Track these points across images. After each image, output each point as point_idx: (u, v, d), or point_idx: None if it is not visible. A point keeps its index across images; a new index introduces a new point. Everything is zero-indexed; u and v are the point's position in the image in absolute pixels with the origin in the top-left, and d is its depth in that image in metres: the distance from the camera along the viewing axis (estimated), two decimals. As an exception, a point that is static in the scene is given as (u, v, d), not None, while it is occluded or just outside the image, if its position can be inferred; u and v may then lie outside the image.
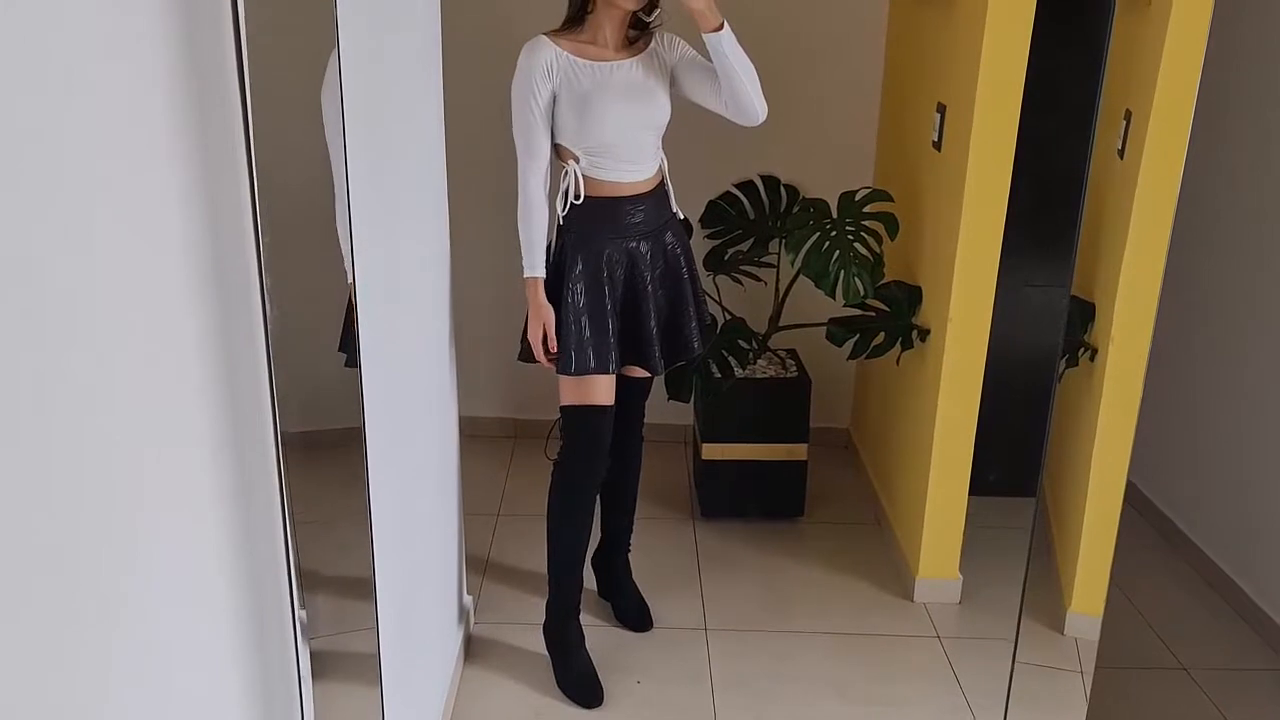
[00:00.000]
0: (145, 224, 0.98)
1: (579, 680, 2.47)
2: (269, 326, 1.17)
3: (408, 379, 1.92)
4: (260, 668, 1.25)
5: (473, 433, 3.55)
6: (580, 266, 2.34)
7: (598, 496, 2.52)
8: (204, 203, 1.08)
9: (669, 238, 2.43)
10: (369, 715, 1.45)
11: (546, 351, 2.36)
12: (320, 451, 1.51)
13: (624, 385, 2.50)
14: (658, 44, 2.33)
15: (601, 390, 2.40)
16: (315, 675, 1.42)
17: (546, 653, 2.54)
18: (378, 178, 1.66)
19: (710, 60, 2.23)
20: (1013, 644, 2.10)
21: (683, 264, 2.45)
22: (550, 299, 2.35)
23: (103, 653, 0.92)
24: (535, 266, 2.34)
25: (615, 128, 2.26)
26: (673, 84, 2.34)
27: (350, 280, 2.04)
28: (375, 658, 1.39)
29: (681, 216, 2.47)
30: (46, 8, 0.82)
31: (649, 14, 2.31)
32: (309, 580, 1.42)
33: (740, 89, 2.24)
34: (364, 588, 1.50)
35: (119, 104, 0.93)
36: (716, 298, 3.24)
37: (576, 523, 2.48)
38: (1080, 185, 1.62)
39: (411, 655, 2.01)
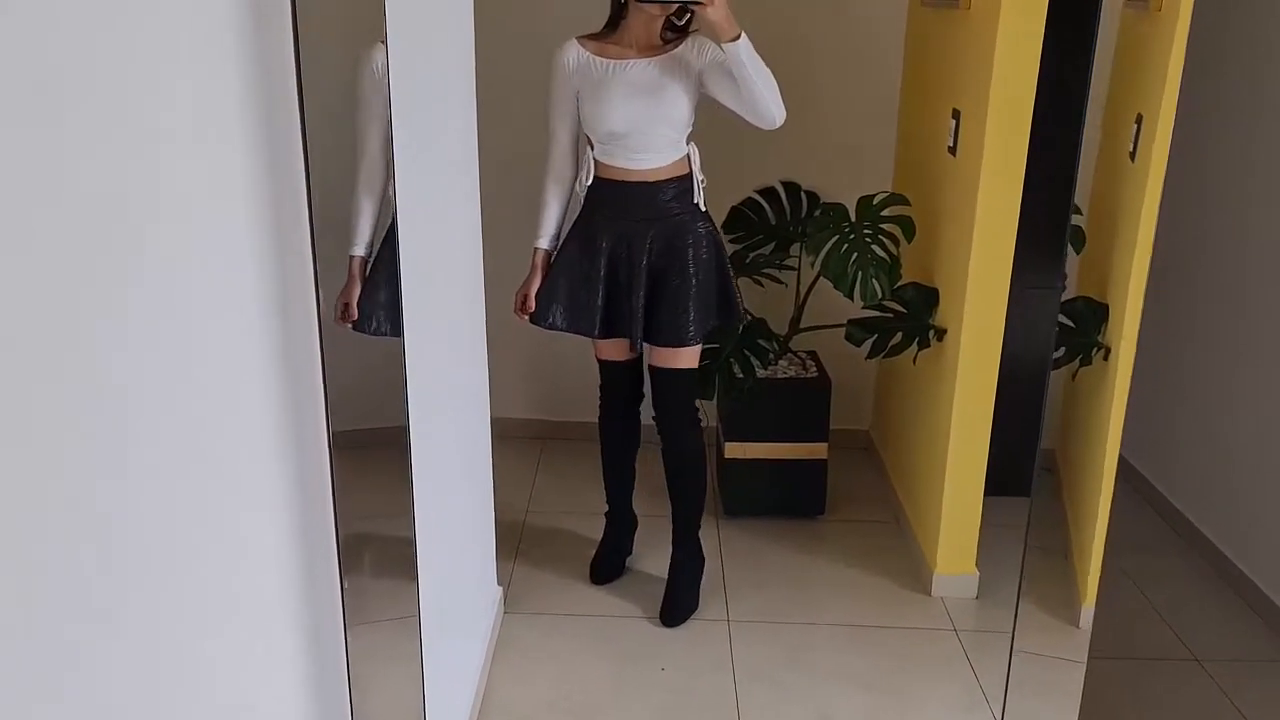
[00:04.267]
0: (221, 235, 1.08)
1: (594, 559, 2.99)
2: (322, 329, 1.27)
3: (443, 372, 2.02)
4: (316, 654, 1.35)
5: (501, 434, 3.64)
6: (577, 236, 2.62)
7: (634, 435, 2.90)
8: (270, 206, 1.18)
9: (679, 230, 2.57)
10: (409, 696, 1.54)
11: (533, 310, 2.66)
12: (360, 451, 1.61)
13: (651, 375, 2.72)
14: (686, 48, 2.51)
15: (605, 348, 2.77)
16: (358, 658, 1.51)
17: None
18: (411, 173, 1.76)
19: None
20: (1012, 635, 2.17)
21: (689, 257, 2.57)
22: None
23: (173, 636, 1.03)
24: (538, 236, 2.67)
25: (622, 119, 2.48)
26: (701, 85, 2.50)
27: (363, 255, 2.20)
28: (417, 644, 1.48)
29: (704, 208, 2.60)
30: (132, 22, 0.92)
31: (680, 18, 2.52)
32: (354, 566, 1.52)
33: (758, 95, 2.41)
34: (404, 575, 1.59)
35: (194, 108, 1.03)
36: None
37: (606, 445, 2.91)
38: (1069, 188, 1.69)
39: (446, 641, 2.11)
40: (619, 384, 2.83)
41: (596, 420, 2.91)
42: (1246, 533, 2.96)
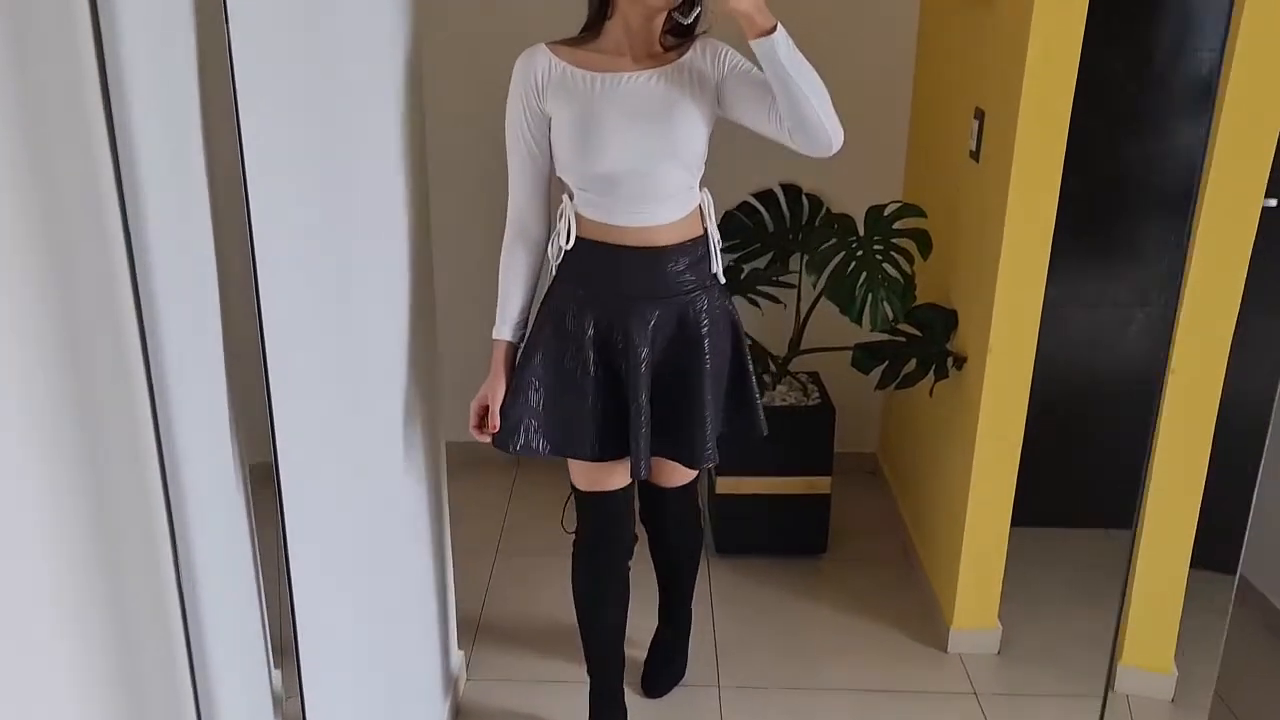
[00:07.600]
0: None
1: None
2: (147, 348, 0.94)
3: (361, 412, 1.68)
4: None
5: (472, 460, 3.32)
6: (552, 319, 1.95)
7: (628, 571, 2.19)
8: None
9: (692, 311, 1.94)
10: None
11: (491, 425, 1.98)
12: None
13: (642, 488, 2.23)
14: (695, 54, 1.87)
15: (603, 476, 2.04)
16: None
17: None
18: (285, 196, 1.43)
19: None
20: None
21: (706, 350, 1.95)
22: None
23: None
24: (498, 326, 1.98)
25: (618, 155, 1.82)
26: (719, 105, 1.88)
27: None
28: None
29: (723, 280, 2.02)
30: None
31: (687, 15, 1.83)
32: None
33: (804, 107, 1.76)
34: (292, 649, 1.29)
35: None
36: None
37: (606, 604, 2.18)
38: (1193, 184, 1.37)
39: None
40: (611, 524, 2.09)
41: (575, 564, 2.17)
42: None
